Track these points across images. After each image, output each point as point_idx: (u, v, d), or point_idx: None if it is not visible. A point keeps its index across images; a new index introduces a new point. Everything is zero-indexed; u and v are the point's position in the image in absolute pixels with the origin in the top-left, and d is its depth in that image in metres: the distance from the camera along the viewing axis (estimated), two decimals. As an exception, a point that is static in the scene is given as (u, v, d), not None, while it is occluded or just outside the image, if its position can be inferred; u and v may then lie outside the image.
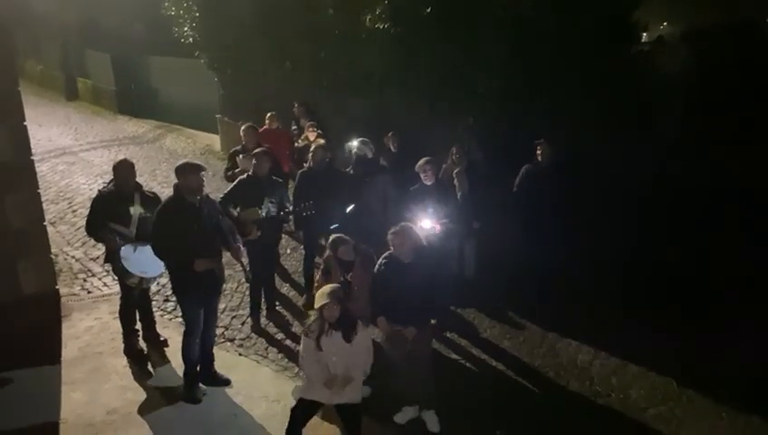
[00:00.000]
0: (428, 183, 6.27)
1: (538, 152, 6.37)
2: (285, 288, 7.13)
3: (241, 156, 7.10)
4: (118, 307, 5.74)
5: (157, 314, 6.09)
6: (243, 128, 7.65)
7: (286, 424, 4.20)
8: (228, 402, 5.04)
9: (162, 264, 5.01)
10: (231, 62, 12.11)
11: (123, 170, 5.42)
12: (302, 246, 7.24)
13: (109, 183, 5.57)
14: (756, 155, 6.35)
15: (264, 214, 5.89)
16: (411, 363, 4.68)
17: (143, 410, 4.95)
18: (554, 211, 6.13)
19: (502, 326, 6.22)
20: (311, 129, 8.28)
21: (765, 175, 6.29)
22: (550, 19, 6.81)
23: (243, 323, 6.34)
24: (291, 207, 6.17)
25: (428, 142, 7.27)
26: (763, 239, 5.96)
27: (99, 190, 5.62)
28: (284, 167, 7.98)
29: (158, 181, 10.82)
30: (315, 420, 4.64)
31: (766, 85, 6.71)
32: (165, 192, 4.97)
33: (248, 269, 5.35)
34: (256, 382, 5.29)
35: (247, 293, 6.54)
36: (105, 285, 7.13)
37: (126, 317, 5.70)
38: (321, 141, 7.45)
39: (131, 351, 5.70)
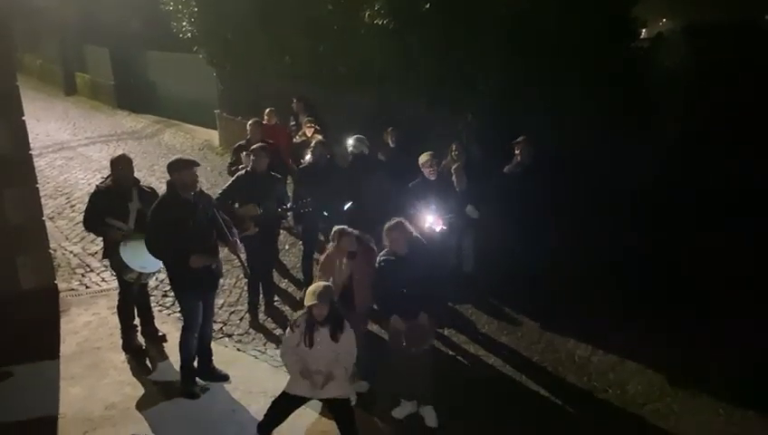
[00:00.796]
0: (432, 178, 6.25)
1: (517, 152, 6.36)
2: (284, 284, 7.13)
3: (245, 152, 7.10)
4: (116, 302, 5.74)
5: (155, 310, 6.09)
6: (249, 123, 7.71)
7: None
8: (226, 398, 5.04)
9: (160, 259, 5.00)
10: (230, 58, 12.09)
11: (121, 166, 5.41)
12: (300, 242, 7.24)
13: (107, 178, 5.57)
14: (756, 154, 6.35)
15: (261, 211, 5.88)
16: (410, 358, 4.69)
17: (141, 405, 4.96)
18: (543, 209, 6.10)
19: (500, 322, 6.24)
20: (308, 125, 8.27)
21: (765, 174, 6.29)
22: (549, 16, 6.80)
23: (241, 319, 6.34)
24: (289, 204, 6.17)
25: (427, 138, 7.28)
26: (762, 239, 5.96)
27: (96, 186, 5.60)
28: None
29: (157, 177, 10.79)
30: (313, 415, 4.67)
31: (766, 83, 6.70)
32: (163, 187, 4.95)
33: (246, 265, 5.35)
34: (255, 378, 5.29)
35: (246, 288, 6.56)
36: (103, 280, 7.13)
37: (124, 312, 5.71)
38: (320, 137, 7.44)
39: (130, 346, 5.71)
